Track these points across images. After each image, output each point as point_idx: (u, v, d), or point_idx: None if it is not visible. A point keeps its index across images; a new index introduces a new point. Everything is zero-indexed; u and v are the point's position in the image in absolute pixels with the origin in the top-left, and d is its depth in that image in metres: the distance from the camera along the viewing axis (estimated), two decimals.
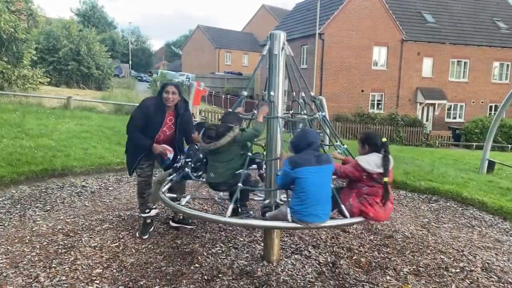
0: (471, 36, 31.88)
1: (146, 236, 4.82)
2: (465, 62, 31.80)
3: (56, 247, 4.46)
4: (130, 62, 65.30)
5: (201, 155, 4.12)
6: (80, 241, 4.65)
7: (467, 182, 8.33)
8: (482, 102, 32.43)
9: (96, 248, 4.48)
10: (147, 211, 4.91)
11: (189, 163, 4.13)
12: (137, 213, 5.61)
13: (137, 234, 4.88)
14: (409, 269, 4.43)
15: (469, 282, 4.22)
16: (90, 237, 4.76)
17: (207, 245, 4.67)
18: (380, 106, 30.26)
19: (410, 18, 31.26)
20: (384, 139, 3.65)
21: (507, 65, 32.94)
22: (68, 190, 6.64)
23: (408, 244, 5.13)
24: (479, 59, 31.77)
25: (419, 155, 14.27)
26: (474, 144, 26.20)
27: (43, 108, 15.46)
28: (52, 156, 7.95)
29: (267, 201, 4.13)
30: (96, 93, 24.45)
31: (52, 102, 17.29)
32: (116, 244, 4.64)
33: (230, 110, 4.48)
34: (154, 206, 4.97)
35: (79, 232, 4.92)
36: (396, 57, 29.86)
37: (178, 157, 4.47)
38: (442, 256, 4.78)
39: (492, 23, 33.59)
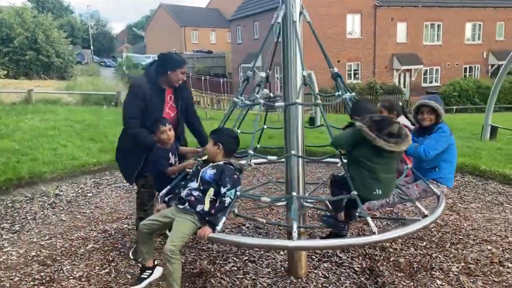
0: None
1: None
2: (438, 25, 31.57)
3: (32, 282, 3.60)
4: (92, 48, 62.53)
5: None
6: (61, 270, 3.80)
7: (477, 152, 7.82)
8: (456, 64, 32.44)
9: (83, 279, 3.65)
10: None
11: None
12: (126, 225, 4.80)
13: (130, 255, 4.03)
14: (457, 268, 3.79)
15: None
16: (73, 264, 3.92)
17: (217, 261, 3.91)
18: (357, 76, 29.83)
19: None
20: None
21: (479, 25, 32.93)
22: (40, 201, 5.71)
23: (445, 234, 4.51)
24: (452, 21, 31.57)
25: None
26: (454, 107, 26.11)
27: (1, 104, 14.08)
28: (16, 161, 6.93)
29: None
30: (59, 83, 22.89)
31: (11, 96, 15.85)
32: (106, 270, 3.81)
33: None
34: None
35: (59, 258, 4.06)
36: (370, 24, 29.30)
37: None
38: (489, 247, 4.17)
39: None
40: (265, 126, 4.42)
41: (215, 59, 45.18)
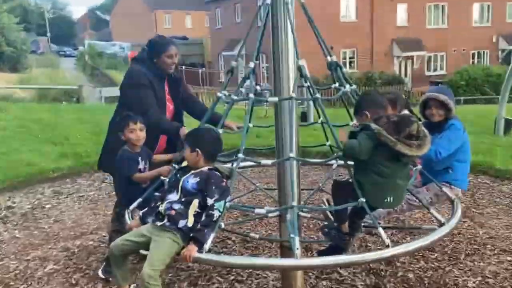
0: None
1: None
2: (442, 6, 31.97)
3: None
4: (48, 35, 61.79)
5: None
6: None
7: (491, 148, 7.89)
8: (463, 50, 32.88)
9: None
10: None
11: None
12: (91, 242, 4.69)
13: (99, 273, 3.90)
14: (474, 283, 3.78)
15: None
16: None
17: (199, 283, 3.82)
18: (352, 65, 30.06)
19: None
20: None
21: (488, 5, 33.43)
22: None
23: (459, 244, 4.50)
24: (458, 2, 31.98)
25: None
26: (462, 98, 26.42)
27: None
28: None
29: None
30: (11, 76, 22.57)
31: None
32: None
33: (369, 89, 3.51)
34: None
35: (12, 283, 3.93)
36: (366, 5, 29.49)
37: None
38: (509, 258, 4.18)
39: None
40: (250, 125, 4.31)
41: (192, 47, 44.97)
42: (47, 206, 5.94)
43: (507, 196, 5.96)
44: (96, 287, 3.82)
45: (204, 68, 38.36)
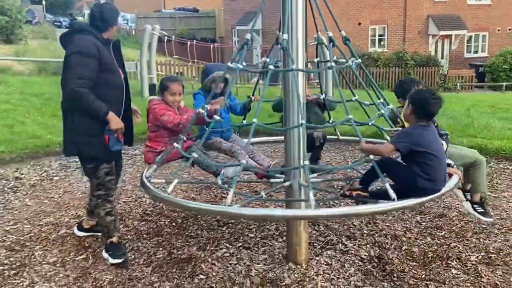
0: None
1: (120, 260, 4.24)
2: None
3: (1, 267, 4.17)
4: (43, 3, 62.56)
5: None
6: (33, 256, 4.38)
7: None
8: (510, 30, 32.81)
9: (57, 265, 4.23)
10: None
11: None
12: None
13: (109, 260, 4.25)
14: (477, 257, 4.37)
15: None
16: (45, 250, 4.50)
17: (208, 247, 4.48)
18: (382, 43, 30.22)
19: None
20: None
21: None
22: None
23: (467, 223, 5.09)
24: None
25: (445, 103, 14.31)
26: (504, 84, 26.63)
27: None
28: None
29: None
30: (5, 48, 23.26)
31: None
32: (83, 256, 4.40)
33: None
34: None
35: (28, 243, 4.63)
36: None
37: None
38: None
39: None
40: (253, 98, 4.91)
41: (203, 20, 45.38)
42: (55, 178, 6.63)
43: None
44: None
45: (216, 43, 38.80)
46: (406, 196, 3.45)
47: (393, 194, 3.34)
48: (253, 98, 4.74)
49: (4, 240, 4.69)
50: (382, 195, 3.54)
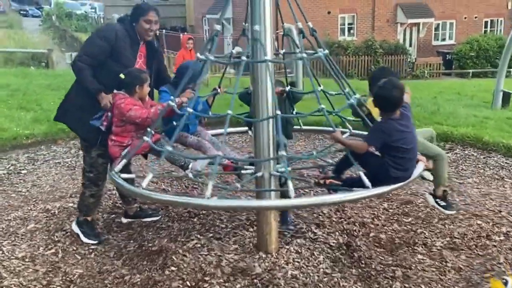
0: None
1: (96, 241, 4.48)
2: None
3: None
4: None
5: None
6: (0, 251, 4.33)
7: (483, 122, 8.60)
8: (475, 18, 33.34)
9: (26, 260, 4.20)
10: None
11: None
12: (71, 204, 5.30)
13: (81, 237, 4.50)
14: (442, 243, 4.50)
15: None
16: (14, 245, 4.46)
17: (179, 239, 4.49)
18: (352, 32, 30.38)
19: None
20: None
21: None
22: None
23: (433, 210, 5.19)
24: None
25: (412, 90, 14.55)
26: (471, 71, 27.12)
27: None
28: None
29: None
30: None
31: None
32: (52, 250, 4.38)
33: None
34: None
35: None
36: None
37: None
38: (479, 222, 4.88)
39: None
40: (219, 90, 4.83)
41: (172, 8, 44.88)
42: (23, 171, 6.53)
43: (491, 168, 6.67)
44: (78, 244, 4.46)
45: (186, 33, 38.42)
46: (377, 183, 3.53)
47: (368, 182, 3.44)
48: (219, 90, 4.69)
49: None
50: (356, 183, 3.62)
